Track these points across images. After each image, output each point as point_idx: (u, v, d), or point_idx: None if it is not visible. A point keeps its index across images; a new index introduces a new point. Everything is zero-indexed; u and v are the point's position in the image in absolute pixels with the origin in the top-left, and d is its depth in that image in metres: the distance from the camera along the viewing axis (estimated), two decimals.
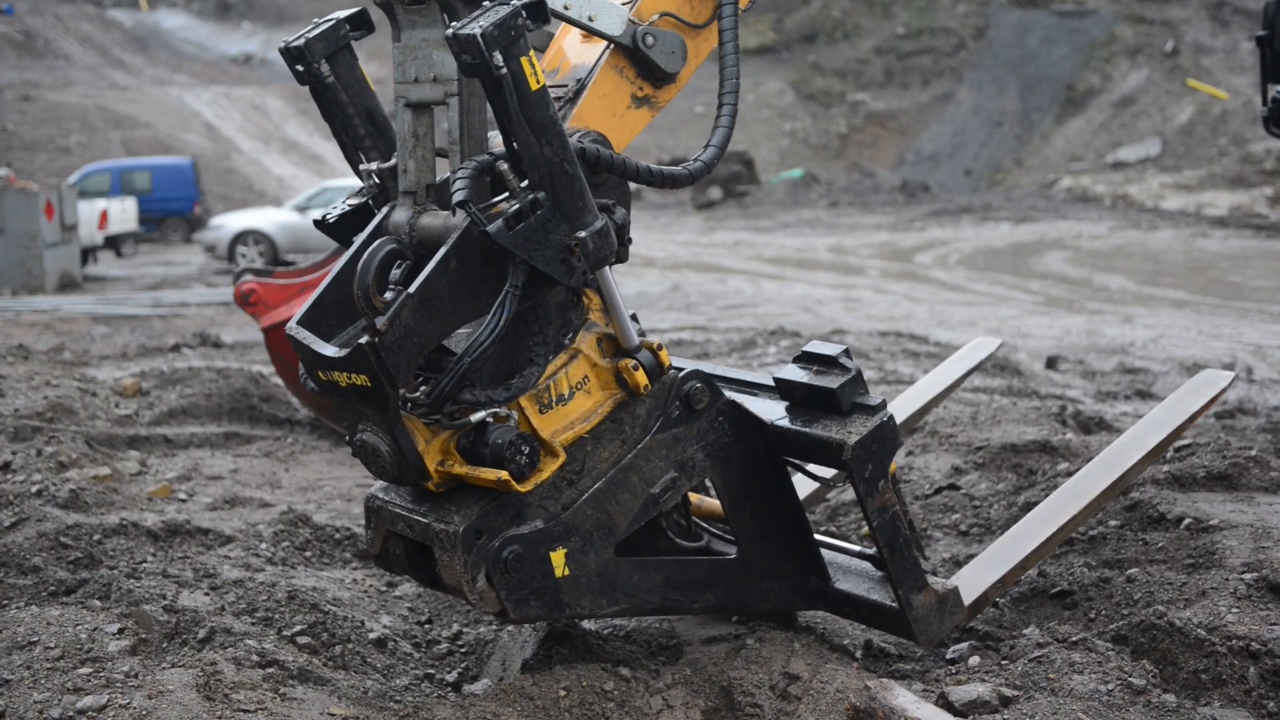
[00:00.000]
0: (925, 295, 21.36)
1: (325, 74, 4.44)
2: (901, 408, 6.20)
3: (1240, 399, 10.54)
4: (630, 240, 4.35)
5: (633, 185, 4.53)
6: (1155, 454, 5.21)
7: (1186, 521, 5.64)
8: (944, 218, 38.61)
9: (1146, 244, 30.34)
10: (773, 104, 58.95)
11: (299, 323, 4.08)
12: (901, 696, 3.97)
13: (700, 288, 22.75)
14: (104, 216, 29.30)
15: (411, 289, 3.88)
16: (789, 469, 4.59)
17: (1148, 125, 51.48)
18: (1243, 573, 4.90)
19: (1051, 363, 12.92)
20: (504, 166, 4.04)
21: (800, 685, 4.21)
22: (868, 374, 11.11)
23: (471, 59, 3.85)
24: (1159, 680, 4.24)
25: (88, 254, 27.96)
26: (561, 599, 4.12)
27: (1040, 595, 5.28)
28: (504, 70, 3.85)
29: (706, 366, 4.86)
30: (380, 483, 4.34)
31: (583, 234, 4.05)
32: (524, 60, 3.89)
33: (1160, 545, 5.47)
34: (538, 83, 3.94)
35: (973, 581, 4.71)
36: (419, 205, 4.30)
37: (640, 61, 4.57)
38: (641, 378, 4.28)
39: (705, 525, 4.81)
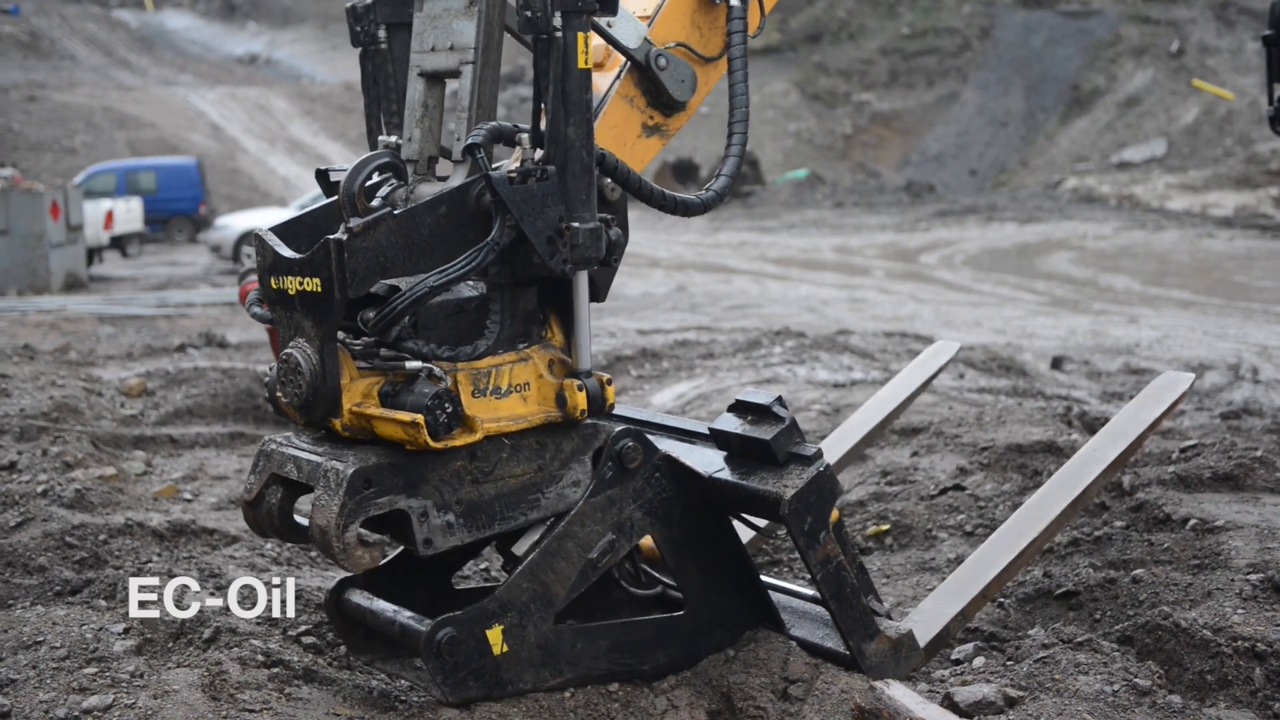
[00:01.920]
0: (930, 296, 21.34)
1: (380, 39, 4.47)
2: (863, 420, 6.11)
3: (1246, 399, 10.53)
4: (616, 263, 4.34)
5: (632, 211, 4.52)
6: (1117, 465, 5.07)
7: (1192, 522, 5.63)
8: (949, 218, 38.58)
9: (1152, 244, 30.30)
10: (778, 104, 58.91)
11: (270, 229, 4.06)
12: (906, 697, 3.96)
13: (705, 288, 22.74)
14: (109, 217, 29.33)
15: (397, 211, 3.91)
16: (730, 518, 4.49)
17: (1153, 125, 51.42)
18: (1248, 574, 4.89)
19: (1057, 363, 12.92)
20: (523, 135, 4.08)
21: (801, 687, 4.20)
22: (873, 374, 11.11)
23: (533, 14, 3.94)
24: (1164, 681, 4.23)
25: (93, 254, 27.99)
26: (501, 677, 4.04)
27: (1045, 596, 5.27)
28: (559, 34, 3.95)
29: (643, 414, 4.82)
30: (281, 435, 4.28)
31: (576, 224, 4.07)
32: (580, 35, 3.98)
33: (1166, 546, 5.46)
34: (585, 62, 4.01)
35: (931, 618, 4.59)
36: (419, 175, 4.30)
37: (650, 90, 4.60)
38: (582, 401, 4.19)
39: (657, 574, 4.67)
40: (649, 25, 4.54)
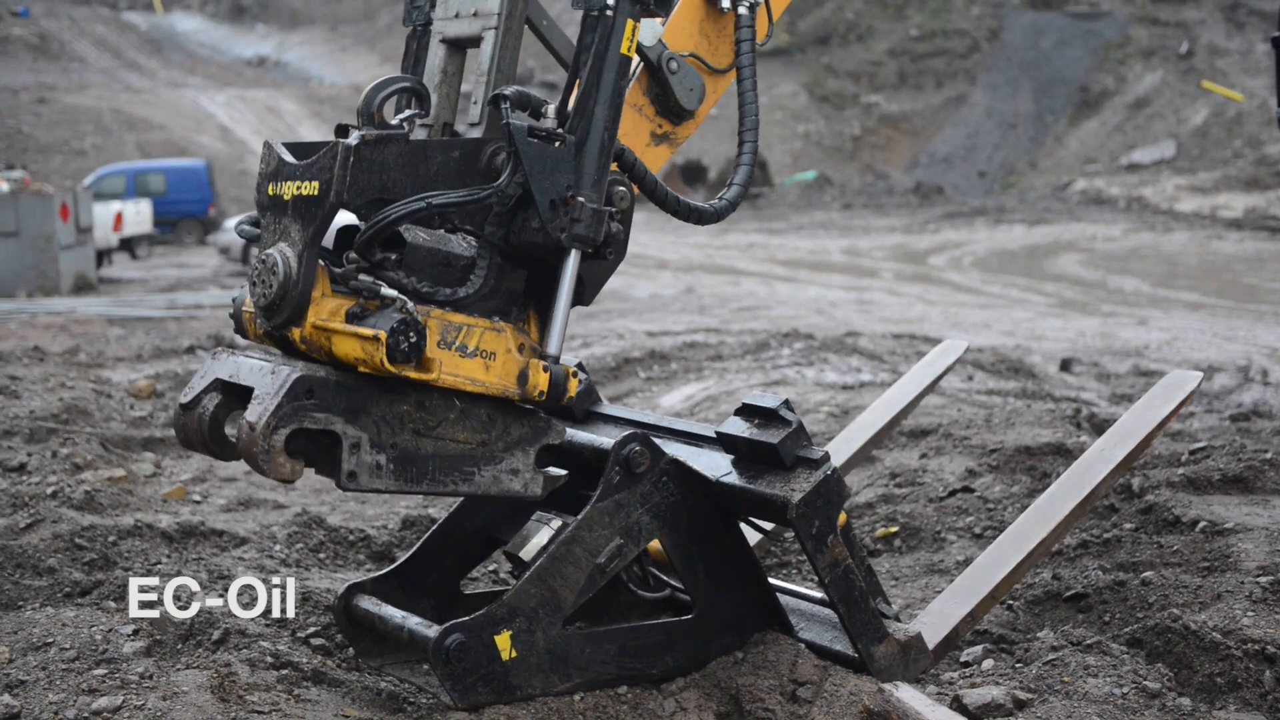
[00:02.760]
0: (939, 297, 21.33)
1: (431, 18, 4.48)
2: (871, 421, 6.09)
3: (1255, 401, 10.51)
4: (610, 261, 4.27)
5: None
6: (1126, 465, 5.05)
7: (1201, 524, 5.63)
8: (958, 220, 38.56)
9: (1161, 246, 30.27)
10: (786, 106, 58.91)
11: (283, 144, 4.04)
12: (915, 699, 3.96)
13: (713, 290, 22.75)
14: (119, 219, 29.41)
15: (412, 138, 3.92)
16: (738, 521, 4.49)
17: (1162, 127, 51.37)
18: (1258, 576, 4.88)
19: (1066, 365, 12.91)
20: (549, 106, 4.08)
21: (810, 689, 4.20)
22: (881, 376, 11.10)
23: None
24: (1174, 684, 4.22)
25: (103, 256, 28.06)
26: (510, 682, 4.04)
27: (1054, 598, 5.26)
28: (610, 13, 4.00)
29: (650, 417, 4.82)
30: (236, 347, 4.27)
31: (583, 199, 4.04)
32: (630, 22, 4.03)
33: (1175, 548, 5.45)
34: (627, 49, 4.06)
35: (940, 620, 4.58)
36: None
37: (659, 98, 4.64)
38: (543, 383, 4.08)
39: (665, 578, 4.68)
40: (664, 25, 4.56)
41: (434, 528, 4.69)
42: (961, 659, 4.78)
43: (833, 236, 34.93)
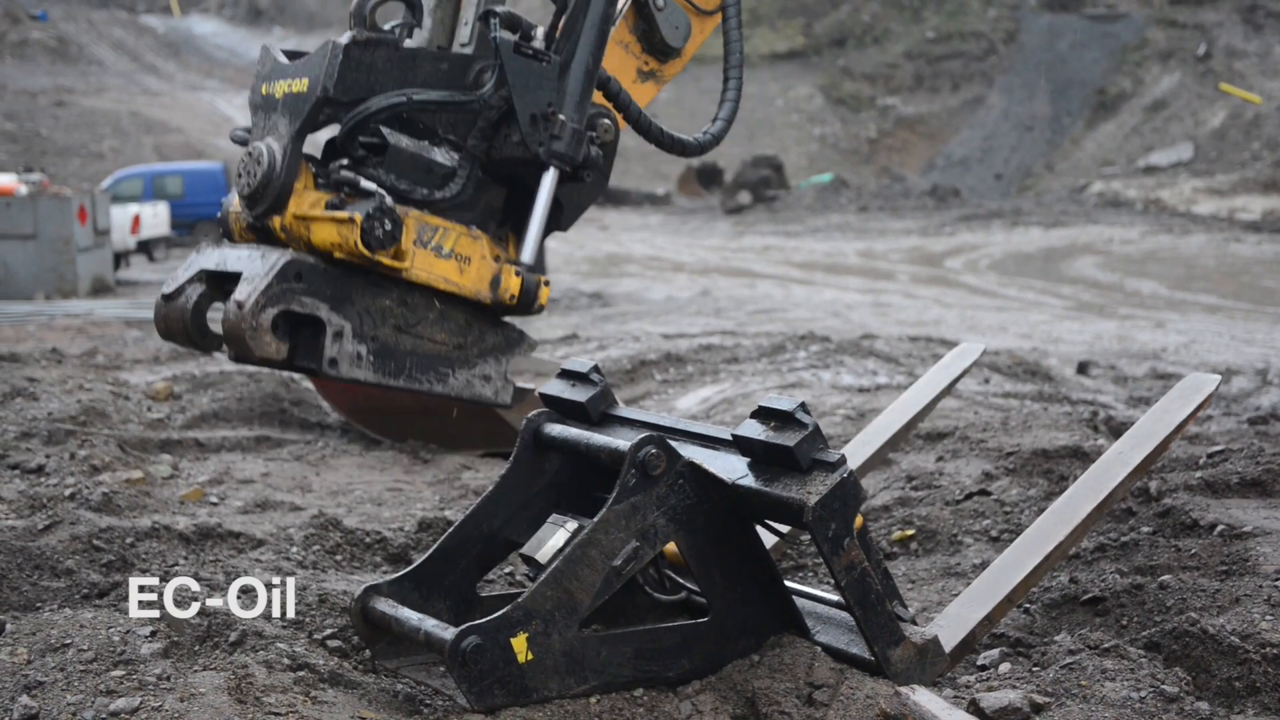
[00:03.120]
0: (955, 300, 21.30)
1: None
2: (887, 424, 6.07)
3: (1274, 404, 10.48)
4: (589, 186, 4.43)
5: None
6: (1143, 468, 5.00)
7: (1219, 528, 5.60)
8: (974, 222, 38.50)
9: (1178, 249, 30.19)
10: (802, 108, 58.87)
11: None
12: (932, 703, 3.95)
13: (729, 292, 22.74)
14: (136, 221, 29.49)
15: (404, 44, 4.09)
16: (754, 524, 4.48)
17: (1180, 129, 51.24)
18: (1276, 580, 4.86)
19: (1083, 368, 12.88)
20: (538, 30, 4.21)
21: (826, 692, 4.19)
22: (898, 379, 11.09)
23: None
24: (1192, 688, 4.21)
25: (120, 258, 28.15)
26: (527, 684, 4.04)
27: (1072, 602, 5.25)
28: None
29: (666, 420, 4.81)
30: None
31: (564, 117, 4.16)
32: None
33: (1193, 552, 5.43)
34: None
35: (956, 623, 4.56)
36: None
37: (645, 35, 4.75)
38: (514, 286, 4.25)
39: (682, 580, 4.68)
40: None
41: (450, 530, 4.69)
42: (978, 662, 4.77)
43: (849, 239, 34.90)
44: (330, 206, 4.01)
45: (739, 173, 48.06)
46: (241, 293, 3.91)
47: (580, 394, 4.86)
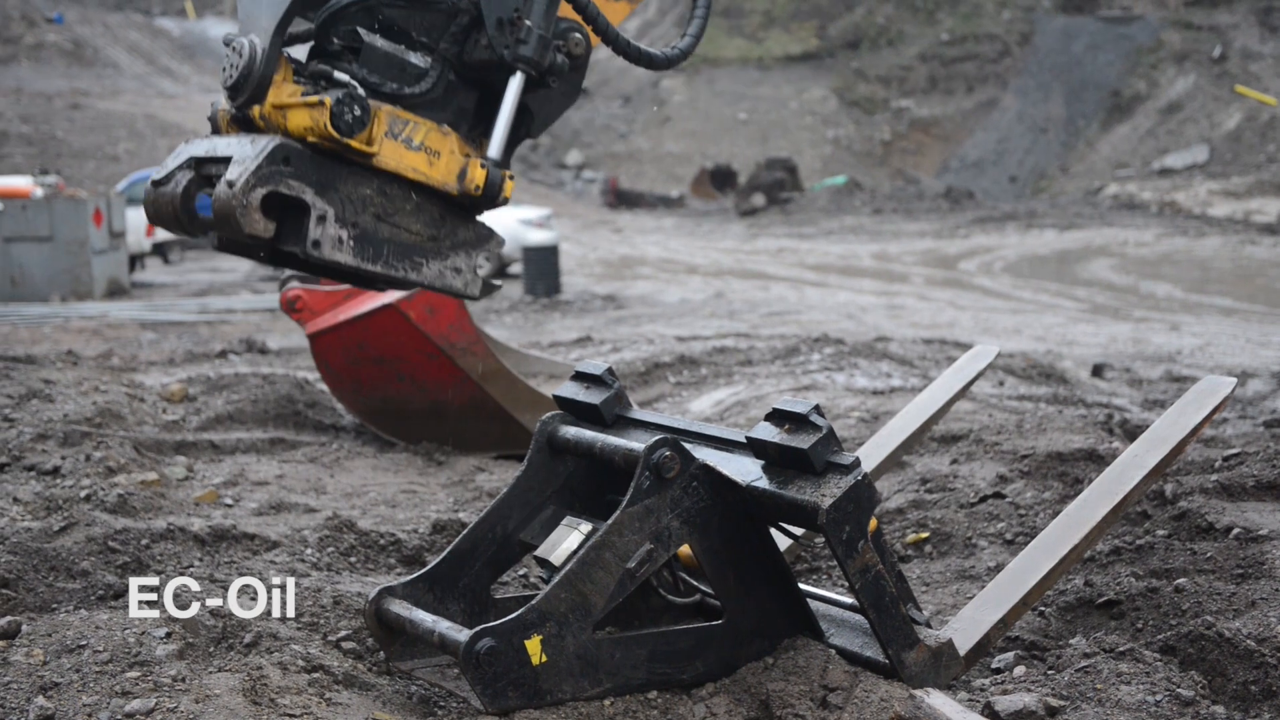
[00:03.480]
0: (970, 303, 21.27)
1: None
2: (901, 426, 6.05)
3: None
4: (556, 95, 4.61)
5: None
6: (1158, 472, 4.98)
7: (1235, 531, 5.59)
8: (988, 225, 38.45)
9: (1193, 251, 30.11)
10: (816, 111, 58.85)
11: None
12: (946, 706, 3.94)
13: (743, 295, 22.74)
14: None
15: None
16: (768, 526, 4.48)
17: (1195, 132, 51.12)
18: None
19: (1098, 370, 12.85)
20: None
21: (840, 695, 4.18)
22: (912, 381, 11.08)
23: None
24: (1208, 691, 4.20)
25: (135, 261, 28.23)
26: (540, 686, 4.05)
27: (1087, 605, 5.24)
28: None
29: (680, 422, 4.81)
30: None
31: (530, 23, 4.32)
32: None
33: (1209, 555, 5.42)
34: None
35: (971, 626, 4.54)
36: None
37: None
38: (480, 178, 4.43)
39: (696, 583, 4.66)
40: None
41: (465, 532, 4.70)
42: (993, 665, 4.76)
43: (863, 241, 34.87)
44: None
45: (753, 175, 48.06)
46: (233, 173, 4.08)
47: (594, 396, 4.86)
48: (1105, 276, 25.35)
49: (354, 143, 4.20)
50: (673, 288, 24.07)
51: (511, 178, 4.55)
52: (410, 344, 8.83)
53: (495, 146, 4.51)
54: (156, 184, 4.38)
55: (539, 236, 25.62)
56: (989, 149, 56.39)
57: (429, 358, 8.85)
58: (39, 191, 25.30)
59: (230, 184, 4.06)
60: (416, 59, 4.44)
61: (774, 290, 23.58)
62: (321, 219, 4.27)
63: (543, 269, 22.70)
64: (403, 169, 4.38)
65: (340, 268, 4.42)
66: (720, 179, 51.98)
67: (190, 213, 4.30)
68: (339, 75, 4.22)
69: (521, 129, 4.64)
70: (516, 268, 26.10)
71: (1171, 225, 36.80)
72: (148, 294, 25.05)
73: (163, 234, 30.92)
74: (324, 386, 9.87)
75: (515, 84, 4.48)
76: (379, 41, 4.35)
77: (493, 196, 4.52)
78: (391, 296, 8.69)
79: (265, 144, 4.14)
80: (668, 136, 58.87)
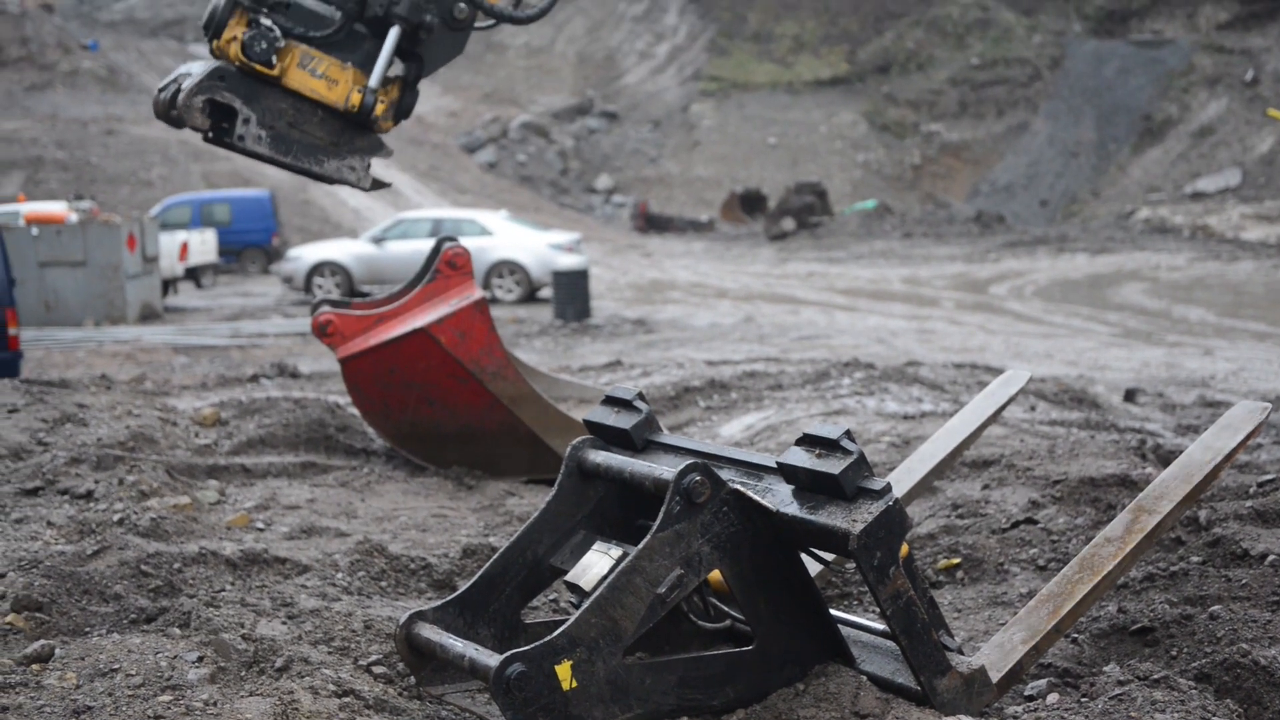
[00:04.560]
0: (1000, 327, 21.20)
1: None
2: (932, 452, 6.03)
3: None
4: (434, 47, 6.42)
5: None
6: (1192, 498, 4.92)
7: (1271, 558, 5.54)
8: (1019, 249, 38.34)
9: (1226, 275, 29.96)
10: (846, 135, 58.86)
11: None
12: None
13: (773, 319, 22.72)
14: (184, 248, 29.76)
15: None
16: (799, 552, 4.46)
17: (1227, 155, 50.90)
18: None
19: (1130, 395, 12.78)
20: None
21: None
22: (943, 406, 11.04)
23: None
24: None
25: (168, 285, 28.41)
26: (571, 712, 4.04)
27: (1120, 632, 5.20)
28: None
29: (710, 447, 4.80)
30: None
31: None
32: None
33: (1244, 582, 5.38)
34: None
35: (1003, 652, 4.51)
36: None
37: None
38: (356, 100, 6.26)
39: (726, 608, 4.65)
40: None
41: (495, 557, 4.70)
42: (1025, 693, 4.73)
43: (893, 265, 34.81)
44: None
45: (783, 199, 48.07)
46: (186, 83, 6.09)
47: (624, 420, 4.86)
48: (1137, 301, 25.24)
49: (258, 66, 6.12)
50: (702, 312, 24.07)
51: (382, 101, 6.35)
52: (441, 368, 8.85)
53: (374, 78, 6.31)
54: (160, 90, 6.27)
55: (569, 261, 25.68)
56: (1019, 173, 56.27)
57: (459, 382, 8.87)
58: (74, 217, 25.49)
59: (179, 89, 6.09)
60: (326, 12, 6.29)
61: (804, 314, 23.55)
62: (246, 121, 6.23)
63: (572, 293, 22.73)
64: (304, 90, 6.26)
65: (260, 157, 6.34)
66: (750, 203, 52.01)
67: (173, 109, 6.16)
68: (263, 21, 6.10)
69: (415, 72, 6.51)
70: (546, 292, 26.15)
71: (1204, 249, 36.63)
72: (180, 318, 25.20)
73: (196, 259, 31.12)
74: (355, 411, 9.90)
75: (393, 34, 6.31)
76: (308, 2, 6.26)
77: (367, 113, 6.31)
78: (423, 321, 8.72)
79: (209, 65, 6.16)
80: (697, 161, 58.98)
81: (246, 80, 6.17)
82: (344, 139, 6.46)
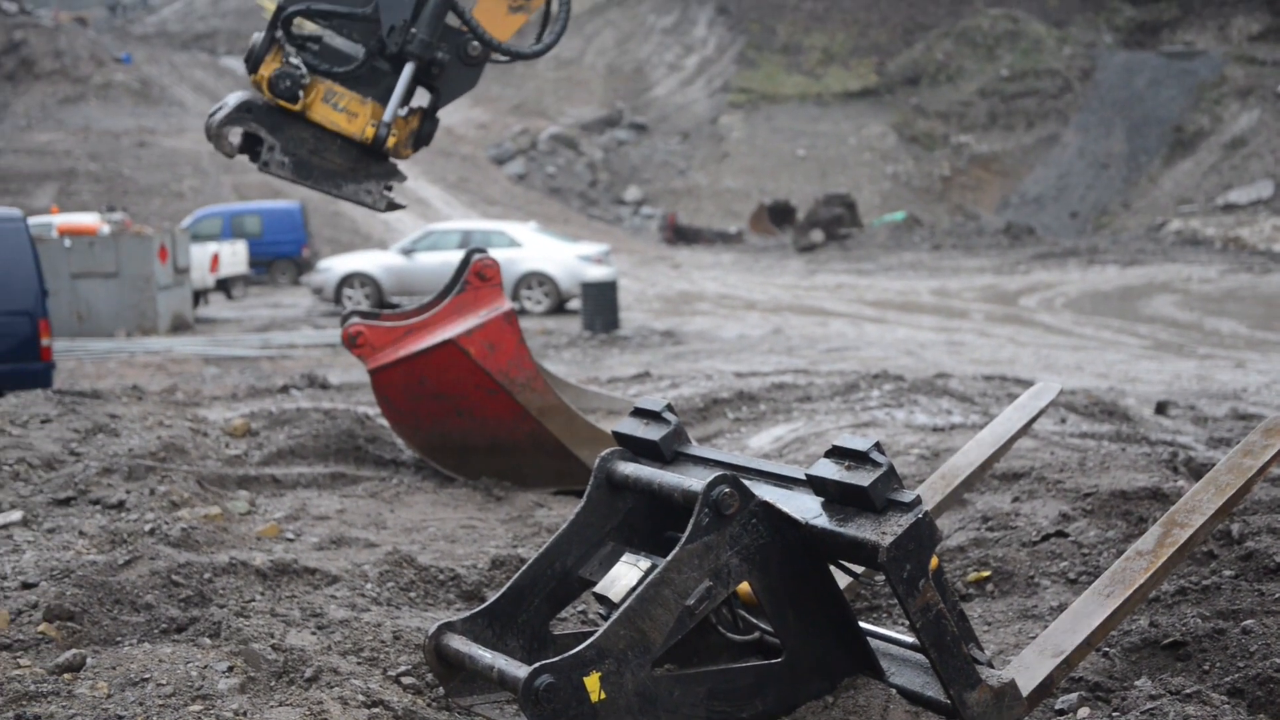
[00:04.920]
0: (1030, 339, 21.12)
1: None
2: (962, 464, 6.01)
3: None
4: (445, 79, 7.19)
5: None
6: (1225, 511, 4.85)
7: None
8: (1049, 261, 38.20)
9: (1259, 287, 29.77)
10: (875, 147, 58.77)
11: None
12: None
13: (802, 330, 22.68)
14: (215, 260, 29.91)
15: None
16: (828, 564, 4.43)
17: (1259, 167, 50.61)
18: None
19: (1161, 408, 12.70)
20: None
21: None
22: (973, 418, 11.00)
23: None
24: None
25: (199, 296, 28.55)
26: None
27: (1152, 646, 5.17)
28: None
29: (739, 459, 4.79)
30: None
31: (415, 30, 6.98)
32: None
33: (1277, 596, 5.34)
34: None
35: (1034, 666, 4.47)
36: None
37: None
38: (370, 132, 7.08)
39: (755, 620, 4.64)
40: None
41: (524, 568, 4.70)
42: (1056, 707, 4.71)
43: (922, 277, 34.73)
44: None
45: (811, 211, 48.01)
46: (219, 114, 7.00)
47: (653, 432, 4.86)
48: (1168, 313, 25.11)
49: (282, 102, 6.98)
50: (731, 323, 24.05)
51: (394, 134, 7.12)
52: (470, 379, 8.87)
53: (387, 113, 7.08)
54: (210, 115, 7.03)
55: (597, 272, 25.70)
56: (1050, 185, 56.07)
57: (488, 393, 8.89)
58: (106, 228, 25.64)
59: (211, 119, 7.00)
60: (351, 50, 7.05)
61: (833, 326, 23.51)
62: (271, 148, 7.10)
63: (601, 305, 22.74)
64: (326, 122, 7.09)
65: (285, 179, 7.22)
66: (779, 215, 51.94)
67: (219, 135, 7.04)
68: (293, 60, 6.94)
69: (434, 104, 7.28)
70: (575, 303, 26.17)
71: (1236, 261, 36.42)
72: (211, 329, 25.32)
73: (227, 270, 31.28)
74: (384, 422, 9.92)
75: (408, 70, 7.06)
76: (337, 41, 7.04)
77: (379, 144, 7.11)
78: (452, 333, 8.75)
79: (241, 97, 7.08)
80: (726, 172, 58.98)
81: (273, 112, 7.01)
82: (362, 165, 7.23)
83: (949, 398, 12.29)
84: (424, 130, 7.46)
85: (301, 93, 6.98)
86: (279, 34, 7.00)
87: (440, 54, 7.01)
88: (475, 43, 7.07)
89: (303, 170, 7.14)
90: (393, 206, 7.48)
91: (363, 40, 7.04)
